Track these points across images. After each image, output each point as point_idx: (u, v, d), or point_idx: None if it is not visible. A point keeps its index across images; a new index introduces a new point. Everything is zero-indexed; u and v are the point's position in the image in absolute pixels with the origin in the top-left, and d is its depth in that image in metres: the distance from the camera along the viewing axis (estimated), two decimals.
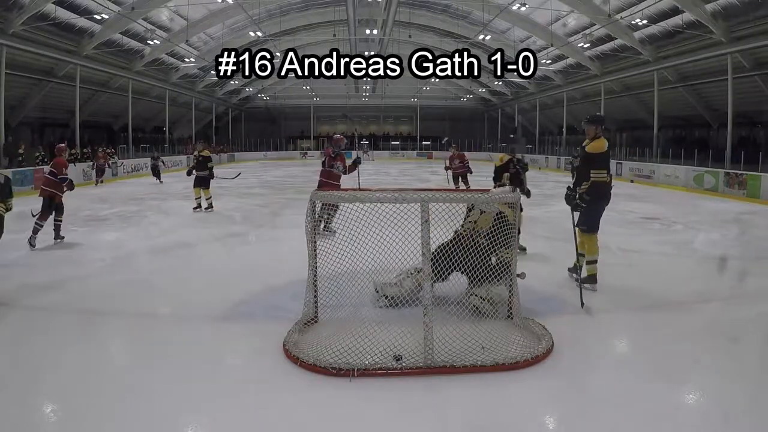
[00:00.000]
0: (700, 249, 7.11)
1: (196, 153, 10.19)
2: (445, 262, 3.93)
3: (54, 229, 7.15)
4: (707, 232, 8.37)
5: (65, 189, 7.13)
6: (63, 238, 7.24)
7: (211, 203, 10.15)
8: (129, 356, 3.61)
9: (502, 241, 3.83)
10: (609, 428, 2.63)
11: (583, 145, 4.95)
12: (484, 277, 3.85)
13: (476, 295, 4.02)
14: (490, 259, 3.89)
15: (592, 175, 4.78)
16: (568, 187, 4.96)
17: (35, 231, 6.86)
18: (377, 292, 4.20)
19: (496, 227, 3.85)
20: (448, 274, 4.04)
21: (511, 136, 7.04)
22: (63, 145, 7.89)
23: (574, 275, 4.97)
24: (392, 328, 3.40)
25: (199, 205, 10.05)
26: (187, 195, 12.78)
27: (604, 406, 2.83)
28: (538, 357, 3.29)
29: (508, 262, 3.87)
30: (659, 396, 2.91)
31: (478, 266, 3.80)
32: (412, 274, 4.09)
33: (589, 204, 4.80)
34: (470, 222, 4.33)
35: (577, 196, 4.83)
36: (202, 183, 9.95)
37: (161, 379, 3.10)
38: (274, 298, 4.68)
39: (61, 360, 3.38)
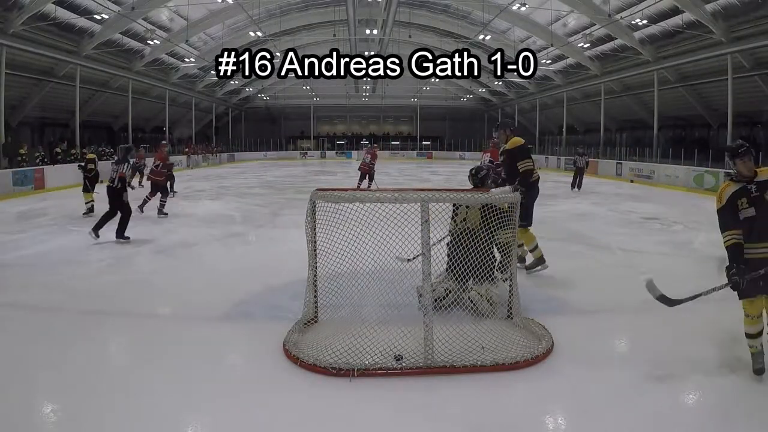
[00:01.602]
0: (700, 249, 7.11)
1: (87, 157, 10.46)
2: (464, 263, 3.91)
3: (159, 207, 9.67)
4: (707, 232, 8.36)
5: (166, 172, 10.18)
6: (167, 214, 9.60)
7: (91, 207, 9.71)
8: (129, 356, 3.61)
9: (497, 225, 3.87)
10: (609, 428, 2.63)
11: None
12: (487, 275, 3.87)
13: (476, 291, 4.03)
14: (492, 251, 3.90)
15: (519, 166, 5.10)
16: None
17: (144, 203, 9.68)
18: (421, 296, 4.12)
19: (485, 217, 3.87)
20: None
21: (734, 143, 2.82)
22: (164, 141, 10.93)
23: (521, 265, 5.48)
24: (392, 328, 3.40)
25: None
26: (187, 195, 12.77)
27: (604, 406, 2.83)
28: (538, 357, 3.29)
29: (509, 243, 3.91)
30: (659, 396, 2.91)
31: (482, 262, 3.81)
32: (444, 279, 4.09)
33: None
34: (461, 221, 4.33)
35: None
36: (85, 186, 9.94)
37: (161, 379, 3.10)
38: (274, 298, 4.68)
39: (61, 360, 3.38)
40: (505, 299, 3.96)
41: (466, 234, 4.03)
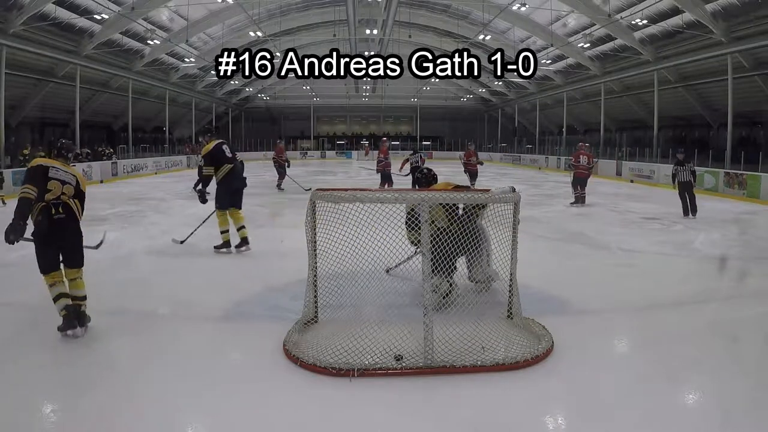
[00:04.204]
0: (700, 249, 7.11)
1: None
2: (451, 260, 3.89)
3: None
4: (707, 232, 8.37)
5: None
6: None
7: None
8: (129, 356, 3.60)
9: (471, 214, 3.90)
10: (608, 428, 2.63)
11: None
12: (476, 260, 3.89)
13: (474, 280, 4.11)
14: (470, 230, 3.89)
15: (203, 170, 6.61)
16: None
17: None
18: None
19: (449, 212, 3.87)
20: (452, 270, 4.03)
21: None
22: (385, 138, 12.95)
23: (242, 248, 6.54)
24: (392, 328, 3.40)
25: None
26: (189, 195, 12.77)
27: (604, 406, 2.83)
28: (538, 357, 3.29)
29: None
30: (659, 396, 2.91)
31: (471, 252, 3.83)
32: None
33: (218, 187, 6.43)
34: (431, 223, 4.27)
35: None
36: None
37: (161, 379, 3.11)
38: (274, 298, 4.68)
39: (60, 360, 3.38)
40: (505, 299, 3.95)
41: (441, 233, 3.99)
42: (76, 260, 3.73)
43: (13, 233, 3.29)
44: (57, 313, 3.69)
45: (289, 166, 14.67)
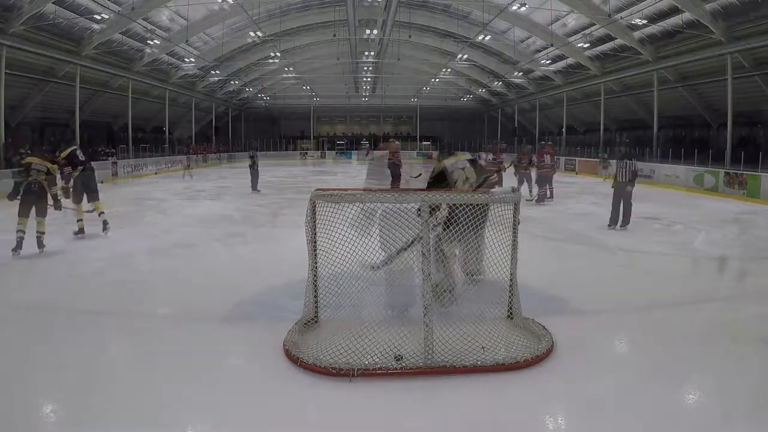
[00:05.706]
0: (700, 249, 7.11)
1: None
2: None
3: None
4: (707, 232, 8.37)
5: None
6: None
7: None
8: (129, 356, 3.61)
9: (477, 218, 3.89)
10: (609, 428, 2.64)
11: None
12: (473, 254, 3.92)
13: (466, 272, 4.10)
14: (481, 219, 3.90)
15: (63, 169, 7.58)
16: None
17: None
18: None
19: (450, 211, 3.84)
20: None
21: None
22: (494, 143, 12.31)
23: (79, 235, 7.52)
24: (392, 329, 3.40)
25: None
26: (189, 195, 12.77)
27: (604, 406, 2.83)
28: (538, 357, 3.29)
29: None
30: (659, 396, 2.91)
31: (473, 241, 3.85)
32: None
33: (77, 182, 7.59)
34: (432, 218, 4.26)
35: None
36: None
37: (161, 379, 3.10)
38: (274, 298, 4.68)
39: (60, 360, 3.38)
40: (505, 299, 3.95)
41: (452, 220, 3.99)
42: (42, 212, 6.48)
43: (12, 196, 6.47)
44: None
45: (400, 167, 13.54)
